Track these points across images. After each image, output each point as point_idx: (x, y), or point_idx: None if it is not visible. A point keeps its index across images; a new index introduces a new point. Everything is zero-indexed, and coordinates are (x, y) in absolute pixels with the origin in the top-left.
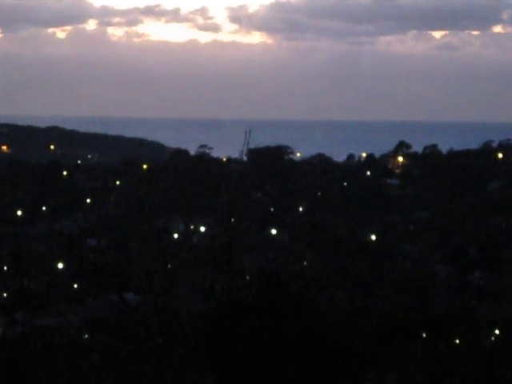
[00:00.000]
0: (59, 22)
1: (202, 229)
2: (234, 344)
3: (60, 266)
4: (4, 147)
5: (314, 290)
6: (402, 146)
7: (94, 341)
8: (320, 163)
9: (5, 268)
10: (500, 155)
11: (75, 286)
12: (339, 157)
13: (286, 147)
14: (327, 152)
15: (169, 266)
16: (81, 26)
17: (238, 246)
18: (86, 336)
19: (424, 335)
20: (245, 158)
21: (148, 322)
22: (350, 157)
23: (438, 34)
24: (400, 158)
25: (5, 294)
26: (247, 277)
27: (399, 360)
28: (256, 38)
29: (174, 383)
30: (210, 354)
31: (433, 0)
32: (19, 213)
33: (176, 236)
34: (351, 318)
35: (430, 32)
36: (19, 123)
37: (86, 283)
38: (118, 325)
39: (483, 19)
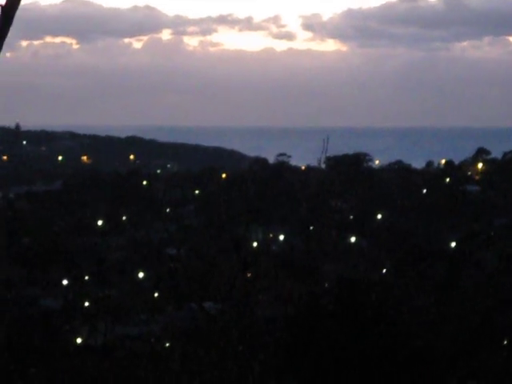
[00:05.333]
0: (135, 32)
1: (281, 237)
2: (314, 351)
3: (140, 275)
4: (84, 157)
5: (394, 297)
6: (481, 153)
7: (174, 349)
8: (399, 170)
9: (86, 278)
10: None
11: (156, 295)
12: (418, 164)
13: (365, 154)
14: (406, 159)
15: (248, 274)
16: (156, 35)
17: (317, 253)
18: (167, 345)
19: (505, 342)
20: (323, 166)
21: (228, 331)
22: (429, 164)
23: None
24: (479, 165)
25: (87, 303)
26: (326, 284)
27: (480, 368)
28: (330, 45)
29: None
30: (291, 361)
31: (508, 5)
32: (100, 223)
33: (255, 244)
34: (431, 325)
35: (506, 37)
36: (99, 134)
37: (167, 292)
38: (199, 333)
39: None
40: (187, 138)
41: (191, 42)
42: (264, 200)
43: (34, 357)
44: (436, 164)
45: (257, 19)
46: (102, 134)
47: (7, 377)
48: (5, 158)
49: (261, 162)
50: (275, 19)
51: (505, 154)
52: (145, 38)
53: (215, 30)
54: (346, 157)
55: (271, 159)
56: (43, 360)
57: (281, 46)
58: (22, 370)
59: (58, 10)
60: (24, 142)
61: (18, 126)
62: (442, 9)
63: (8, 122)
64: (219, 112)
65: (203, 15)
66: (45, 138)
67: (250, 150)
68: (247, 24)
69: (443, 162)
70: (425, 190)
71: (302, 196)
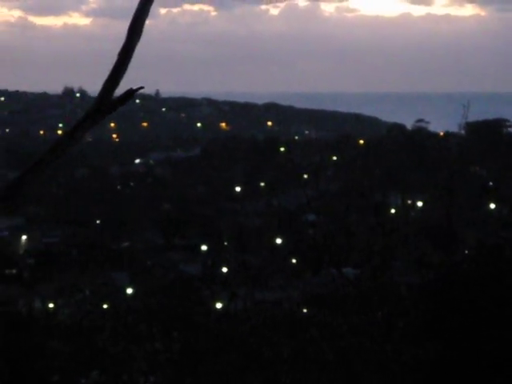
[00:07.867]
0: None
1: (420, 203)
2: (454, 317)
3: (278, 241)
4: (223, 124)
5: None
6: None
7: (312, 315)
8: None
9: (225, 243)
10: None
11: (294, 261)
12: None
13: (506, 120)
14: None
15: (387, 240)
16: (293, 2)
17: (456, 220)
18: (305, 311)
19: None
20: (463, 132)
21: (367, 296)
22: None
23: None
24: None
25: (225, 269)
26: (466, 251)
27: None
28: (469, 10)
29: (394, 357)
30: (430, 328)
31: None
32: (238, 189)
33: (393, 211)
34: None
35: None
36: (237, 100)
37: (305, 258)
38: (337, 299)
39: None
40: (325, 104)
41: (328, 8)
42: (402, 166)
43: (175, 320)
44: None
45: None
46: (240, 100)
47: (148, 339)
48: (145, 124)
49: (398, 128)
50: None
51: None
52: (281, 4)
53: None
54: (485, 122)
55: (409, 125)
56: (184, 323)
57: (418, 11)
58: (163, 332)
59: None
60: (163, 109)
61: (157, 93)
62: None
63: (148, 89)
64: (356, 78)
65: None
66: (184, 105)
67: (387, 115)
68: None
69: None
70: None
71: (441, 162)
